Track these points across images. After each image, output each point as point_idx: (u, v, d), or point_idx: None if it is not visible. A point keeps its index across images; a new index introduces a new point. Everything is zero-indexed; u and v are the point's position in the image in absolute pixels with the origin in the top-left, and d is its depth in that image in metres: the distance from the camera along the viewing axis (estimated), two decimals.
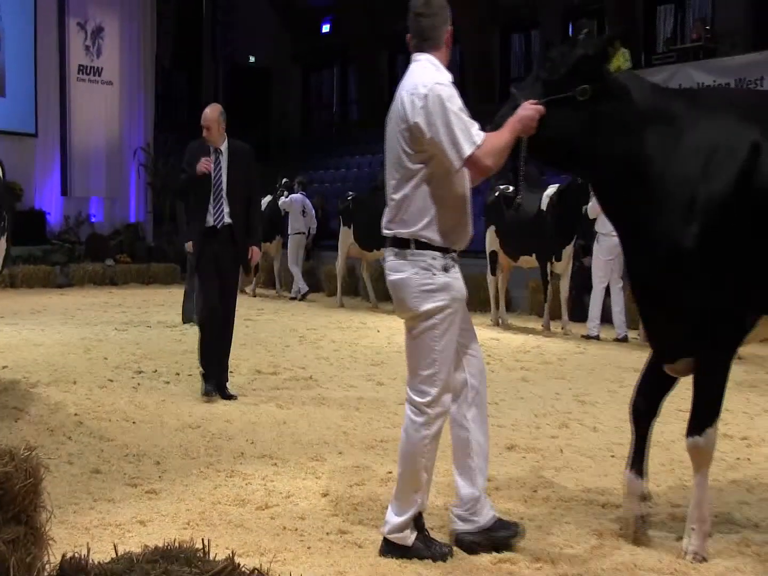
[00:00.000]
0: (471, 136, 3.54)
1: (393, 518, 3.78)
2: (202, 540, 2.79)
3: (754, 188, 3.65)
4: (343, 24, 23.57)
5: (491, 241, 11.78)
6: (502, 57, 21.73)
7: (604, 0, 18.43)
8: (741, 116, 3.79)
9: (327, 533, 4.04)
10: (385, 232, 3.85)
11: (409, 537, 3.74)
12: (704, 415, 3.83)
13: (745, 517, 4.42)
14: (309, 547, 3.84)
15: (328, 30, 24.57)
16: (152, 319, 12.08)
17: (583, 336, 10.65)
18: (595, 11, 19.68)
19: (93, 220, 20.12)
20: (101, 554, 2.82)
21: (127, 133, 20.55)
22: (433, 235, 3.70)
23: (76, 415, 6.27)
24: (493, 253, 11.98)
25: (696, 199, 3.69)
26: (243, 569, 2.61)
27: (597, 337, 10.55)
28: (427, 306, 3.66)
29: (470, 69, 20.90)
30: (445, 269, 3.69)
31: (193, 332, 10.65)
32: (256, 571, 2.61)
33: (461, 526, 3.87)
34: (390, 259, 3.82)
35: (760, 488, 4.93)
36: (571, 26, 20.53)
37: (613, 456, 5.50)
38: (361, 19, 22.94)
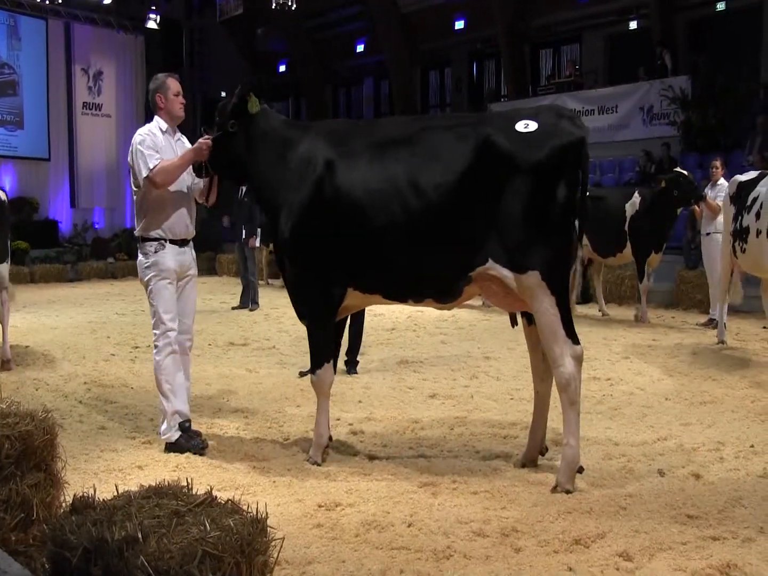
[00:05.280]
0: (147, 164, 4.26)
1: (162, 425, 4.41)
2: (186, 479, 2.76)
3: (326, 195, 3.92)
4: (296, 64, 23.34)
5: None
6: (422, 89, 21.75)
7: (499, 45, 18.55)
8: (328, 141, 4.05)
9: (288, 469, 4.03)
10: None
11: (173, 435, 4.35)
12: (313, 361, 4.15)
13: (608, 438, 4.57)
14: (274, 482, 3.83)
15: (284, 69, 24.27)
16: (146, 305, 11.75)
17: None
18: (493, 54, 19.83)
19: (96, 226, 19.83)
20: (106, 493, 2.75)
21: (123, 156, 20.22)
22: (148, 232, 4.38)
23: (85, 383, 6.13)
24: None
25: (293, 202, 4.00)
26: (219, 500, 2.59)
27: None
28: (146, 277, 4.40)
29: (398, 98, 20.87)
30: (155, 251, 4.37)
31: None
32: (230, 502, 2.58)
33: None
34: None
35: (620, 416, 5.08)
36: (475, 64, 20.68)
37: (512, 398, 5.59)
38: (310, 60, 22.73)
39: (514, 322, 4.33)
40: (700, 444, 4.39)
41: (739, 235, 6.79)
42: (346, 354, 6.54)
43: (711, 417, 4.99)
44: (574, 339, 3.67)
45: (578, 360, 3.67)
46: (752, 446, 4.33)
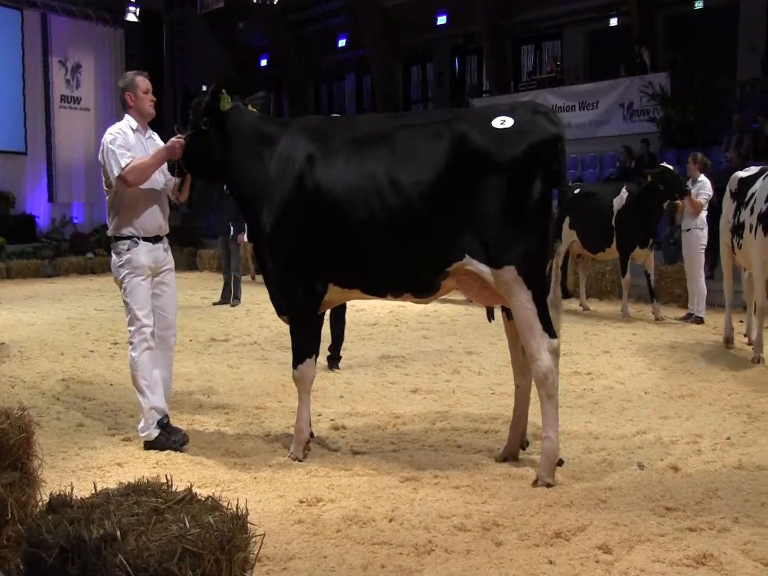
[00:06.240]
0: (119, 163, 4.23)
1: (140, 423, 4.38)
2: (166, 476, 2.74)
3: (307, 190, 3.92)
4: (277, 59, 23.21)
5: None
6: (404, 84, 21.74)
7: (481, 40, 18.59)
8: (307, 137, 4.05)
9: (269, 465, 4.02)
10: None
11: (153, 434, 4.31)
12: (295, 356, 4.16)
13: (588, 432, 4.60)
14: (255, 478, 3.82)
15: (265, 64, 24.12)
16: None
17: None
18: (475, 49, 19.87)
19: (75, 221, 19.57)
20: (84, 491, 2.71)
21: None
22: (120, 230, 4.37)
23: (63, 380, 6.05)
24: None
25: (275, 197, 4.00)
26: (199, 497, 2.57)
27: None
28: (120, 275, 4.38)
29: (380, 94, 20.85)
30: (128, 249, 4.35)
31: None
32: (210, 499, 2.56)
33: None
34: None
35: (600, 410, 5.13)
36: (457, 60, 20.70)
37: (493, 393, 5.61)
38: (292, 55, 22.61)
39: (490, 317, 4.33)
40: (678, 437, 4.44)
41: (737, 230, 6.75)
42: (329, 349, 6.53)
43: (689, 410, 5.05)
44: (550, 333, 3.70)
45: (555, 354, 3.70)
46: (728, 438, 4.39)
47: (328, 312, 6.38)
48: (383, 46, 20.30)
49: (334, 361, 6.55)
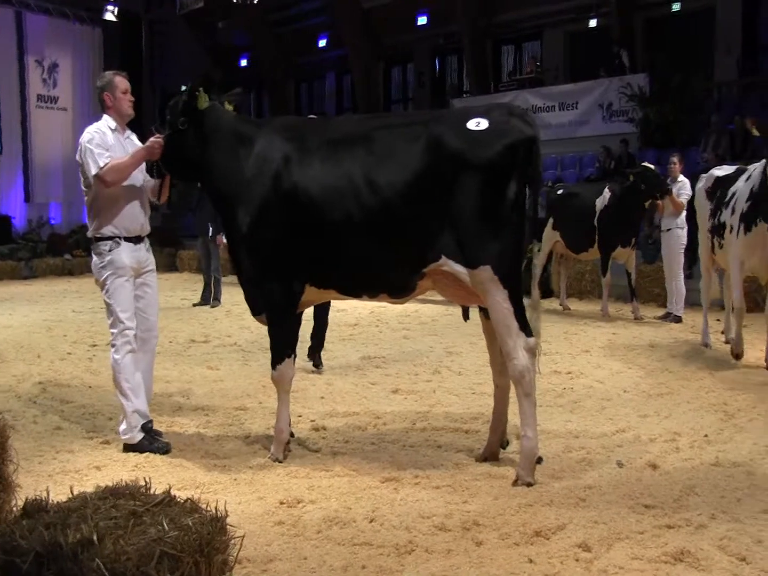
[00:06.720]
0: (97, 162, 4.19)
1: (121, 425, 4.34)
2: (145, 479, 2.72)
3: (283, 190, 3.94)
4: (258, 59, 23.12)
5: None
6: (385, 84, 21.75)
7: (462, 41, 18.65)
8: (284, 137, 4.08)
9: (250, 467, 4.00)
10: None
11: (136, 437, 4.28)
12: (273, 356, 4.18)
13: (568, 431, 4.63)
14: (235, 479, 3.80)
15: (245, 64, 24.01)
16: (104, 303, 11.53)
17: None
18: (455, 50, 19.93)
19: (53, 222, 19.33)
20: (61, 496, 2.69)
21: None
22: (101, 231, 4.31)
23: (40, 383, 5.98)
24: None
25: (252, 197, 4.01)
26: (178, 500, 2.55)
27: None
28: (102, 276, 4.33)
29: (360, 93, 20.83)
30: (110, 250, 4.30)
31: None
32: (189, 501, 2.55)
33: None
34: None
35: (580, 409, 5.17)
36: (437, 60, 20.74)
37: (474, 393, 5.62)
38: (272, 55, 22.52)
39: (466, 316, 4.36)
40: (656, 435, 4.49)
41: (717, 231, 6.72)
42: (310, 339, 6.45)
43: (667, 408, 5.11)
44: (527, 331, 3.73)
45: (532, 352, 3.73)
46: (706, 436, 4.45)
47: (309, 310, 6.38)
48: (363, 46, 20.29)
49: (315, 351, 6.43)
